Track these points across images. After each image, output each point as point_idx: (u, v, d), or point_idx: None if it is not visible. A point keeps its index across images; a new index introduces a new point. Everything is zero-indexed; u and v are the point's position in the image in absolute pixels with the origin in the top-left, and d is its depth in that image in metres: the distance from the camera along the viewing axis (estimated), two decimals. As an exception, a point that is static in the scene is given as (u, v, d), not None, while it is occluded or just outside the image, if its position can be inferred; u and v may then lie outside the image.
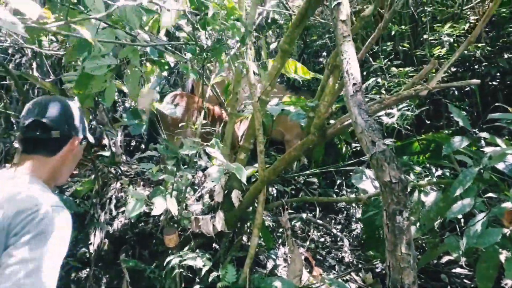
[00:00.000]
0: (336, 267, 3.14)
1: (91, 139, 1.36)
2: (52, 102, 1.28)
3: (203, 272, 2.28)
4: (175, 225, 2.43)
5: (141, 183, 3.00)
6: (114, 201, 2.99)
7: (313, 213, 3.70)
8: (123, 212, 2.99)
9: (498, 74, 4.30)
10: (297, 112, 2.93)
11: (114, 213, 2.89)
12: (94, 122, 3.10)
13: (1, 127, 3.13)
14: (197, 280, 2.32)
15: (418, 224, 2.16)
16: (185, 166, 2.55)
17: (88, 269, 2.91)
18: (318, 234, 3.63)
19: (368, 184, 2.55)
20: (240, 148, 2.74)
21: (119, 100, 4.44)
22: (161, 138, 2.95)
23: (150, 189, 2.95)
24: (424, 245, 2.56)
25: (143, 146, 4.19)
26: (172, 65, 3.98)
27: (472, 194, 1.86)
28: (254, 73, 2.53)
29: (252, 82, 2.51)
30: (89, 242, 2.96)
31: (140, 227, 2.78)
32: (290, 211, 3.16)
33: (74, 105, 1.33)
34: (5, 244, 1.03)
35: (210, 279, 2.25)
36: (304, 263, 2.61)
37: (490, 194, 1.92)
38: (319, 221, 3.61)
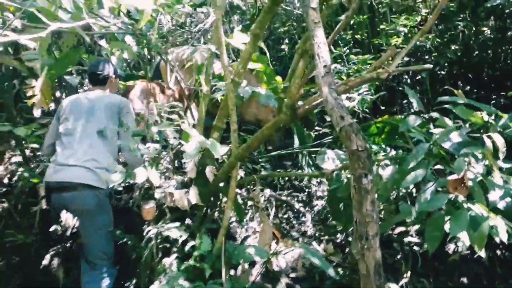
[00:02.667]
0: (300, 239, 3.39)
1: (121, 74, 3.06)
2: (99, 61, 2.87)
3: (179, 242, 2.41)
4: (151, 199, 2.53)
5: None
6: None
7: (277, 192, 3.92)
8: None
9: (446, 64, 4.69)
10: (267, 94, 3.10)
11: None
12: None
13: None
14: (174, 250, 2.45)
15: (376, 195, 2.41)
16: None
17: (59, 246, 2.96)
18: (282, 211, 3.86)
19: (330, 164, 2.78)
20: (213, 128, 2.87)
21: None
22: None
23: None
24: (381, 214, 2.83)
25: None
26: (134, 48, 4.04)
27: (423, 166, 2.12)
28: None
29: (225, 63, 2.63)
30: (60, 219, 2.99)
31: (113, 203, 2.85)
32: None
33: (108, 61, 2.91)
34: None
35: (186, 249, 2.38)
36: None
37: (438, 166, 2.19)
38: (283, 198, 3.84)
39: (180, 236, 2.37)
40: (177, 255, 2.41)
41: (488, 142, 1.96)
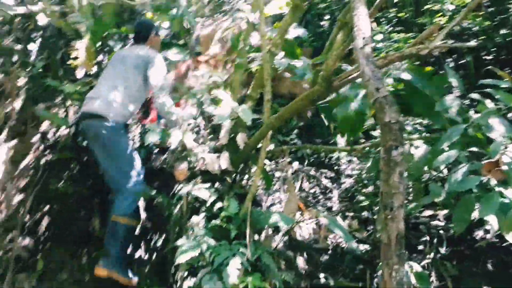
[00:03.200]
0: (325, 213, 3.43)
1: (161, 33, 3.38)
2: (141, 21, 3.30)
3: (208, 203, 2.51)
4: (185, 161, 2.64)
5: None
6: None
7: (305, 166, 3.96)
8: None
9: (493, 48, 4.47)
10: (304, 66, 3.08)
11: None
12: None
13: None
14: (202, 210, 2.55)
15: (406, 173, 2.40)
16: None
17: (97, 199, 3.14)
18: (309, 185, 3.90)
19: None
20: (247, 97, 2.91)
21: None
22: None
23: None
24: (411, 194, 2.82)
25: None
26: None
27: (457, 147, 2.08)
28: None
29: (264, 33, 2.63)
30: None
31: (149, 163, 2.99)
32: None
33: (149, 21, 3.38)
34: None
35: (214, 209, 2.48)
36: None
37: (473, 148, 2.15)
38: (311, 172, 3.87)
39: (209, 197, 2.46)
40: (205, 214, 2.51)
41: (527, 127, 1.89)
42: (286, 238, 2.86)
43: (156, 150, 3.31)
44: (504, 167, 1.90)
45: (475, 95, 2.24)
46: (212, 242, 2.29)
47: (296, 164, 3.80)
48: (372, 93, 1.68)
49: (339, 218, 3.18)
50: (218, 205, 2.48)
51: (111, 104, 2.70)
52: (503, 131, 1.99)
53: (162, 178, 3.00)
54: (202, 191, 2.45)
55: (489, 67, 4.48)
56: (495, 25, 4.35)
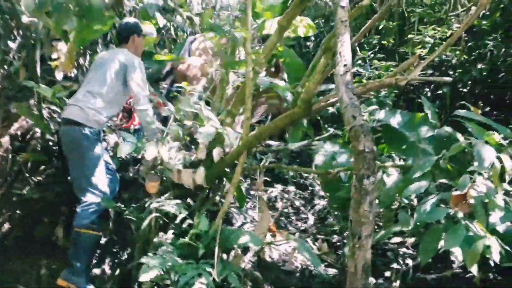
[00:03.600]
0: (296, 234, 3.42)
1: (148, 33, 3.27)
2: (123, 22, 3.11)
3: (178, 219, 2.46)
4: (158, 174, 2.59)
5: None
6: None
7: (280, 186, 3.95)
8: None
9: (469, 82, 4.62)
10: (285, 86, 3.11)
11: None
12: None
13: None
14: (172, 226, 2.50)
15: (377, 200, 2.42)
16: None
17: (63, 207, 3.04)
18: (283, 205, 3.89)
19: (321, 157, 2.77)
20: (227, 113, 2.90)
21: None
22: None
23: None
24: (379, 220, 2.84)
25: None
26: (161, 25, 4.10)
27: (428, 178, 2.12)
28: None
29: (248, 51, 2.64)
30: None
31: (121, 173, 2.91)
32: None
33: (132, 22, 3.11)
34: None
35: (183, 226, 2.43)
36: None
37: (443, 180, 2.19)
38: (285, 193, 3.88)
39: (180, 213, 2.42)
40: (174, 231, 2.46)
41: (497, 163, 1.94)
42: (255, 258, 2.83)
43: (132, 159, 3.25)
44: (471, 201, 1.94)
45: (448, 128, 2.29)
46: (178, 260, 2.24)
47: (272, 184, 3.79)
48: (349, 120, 1.70)
49: (309, 241, 3.17)
50: (189, 221, 2.43)
51: (88, 111, 2.69)
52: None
53: (134, 189, 2.94)
54: (173, 206, 2.40)
55: (463, 100, 4.65)
56: (472, 59, 4.50)
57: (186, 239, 2.34)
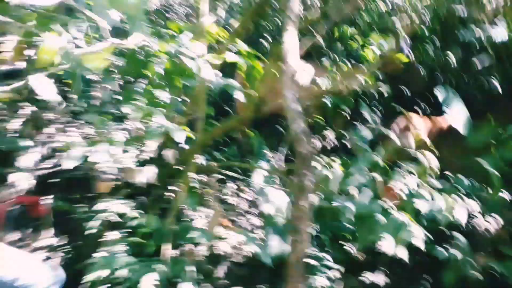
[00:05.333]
0: (249, 228, 3.55)
1: None
2: None
3: (128, 218, 2.50)
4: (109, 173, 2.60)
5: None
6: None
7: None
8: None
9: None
10: (238, 88, 3.20)
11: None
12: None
13: None
14: (123, 224, 2.53)
15: (322, 195, 2.59)
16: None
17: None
18: (237, 200, 4.00)
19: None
20: (184, 113, 2.95)
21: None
22: None
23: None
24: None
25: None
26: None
27: (364, 172, 2.32)
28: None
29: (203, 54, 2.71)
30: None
31: (71, 172, 2.88)
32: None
33: None
34: None
35: (135, 224, 2.47)
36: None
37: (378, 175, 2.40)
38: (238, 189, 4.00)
39: (130, 212, 2.45)
40: (125, 229, 2.49)
41: (424, 160, 2.17)
42: (208, 252, 2.92)
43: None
44: (400, 193, 2.16)
45: (383, 129, 2.51)
46: (129, 258, 2.28)
47: (226, 180, 3.88)
48: (292, 124, 1.84)
49: (261, 233, 3.30)
50: (139, 220, 2.47)
51: None
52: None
53: (84, 188, 2.91)
54: (123, 205, 2.43)
55: (406, 101, 4.98)
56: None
57: (136, 238, 2.39)
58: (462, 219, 2.00)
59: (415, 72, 4.83)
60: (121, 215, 2.57)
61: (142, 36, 1.95)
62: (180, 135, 2.30)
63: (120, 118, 2.60)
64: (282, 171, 2.74)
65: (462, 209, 2.03)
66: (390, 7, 4.65)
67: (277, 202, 2.95)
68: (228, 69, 3.13)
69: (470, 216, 2.81)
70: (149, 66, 2.18)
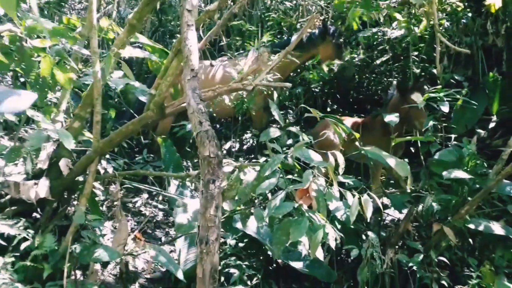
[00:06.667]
0: (163, 239, 3.35)
1: None
2: None
3: (16, 240, 2.17)
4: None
5: None
6: None
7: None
8: None
9: (320, 82, 5.14)
10: (141, 88, 2.98)
11: None
12: None
13: None
14: (10, 248, 2.19)
15: (236, 198, 2.50)
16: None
17: None
18: (150, 210, 3.76)
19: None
20: (75, 116, 2.65)
21: None
22: None
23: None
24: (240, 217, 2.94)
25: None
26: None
27: (277, 175, 2.27)
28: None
29: (95, 49, 2.46)
30: None
31: None
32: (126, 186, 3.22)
33: None
34: None
35: (23, 248, 2.15)
36: (131, 234, 2.73)
37: (290, 176, 2.38)
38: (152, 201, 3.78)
39: (19, 234, 2.13)
40: (13, 253, 2.16)
41: (331, 159, 2.18)
42: (117, 270, 2.67)
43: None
44: (313, 194, 2.15)
45: (292, 128, 2.50)
46: (19, 286, 1.97)
47: (137, 190, 3.63)
48: (195, 126, 1.71)
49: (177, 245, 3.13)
50: (30, 241, 2.15)
51: None
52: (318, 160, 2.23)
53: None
54: (9, 226, 2.10)
55: (317, 103, 5.15)
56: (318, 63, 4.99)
57: (28, 262, 2.07)
58: (368, 215, 2.04)
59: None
60: (9, 237, 2.23)
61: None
62: (70, 141, 2.03)
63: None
64: (194, 177, 2.60)
65: (369, 204, 2.07)
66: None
67: (190, 211, 2.81)
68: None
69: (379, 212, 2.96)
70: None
